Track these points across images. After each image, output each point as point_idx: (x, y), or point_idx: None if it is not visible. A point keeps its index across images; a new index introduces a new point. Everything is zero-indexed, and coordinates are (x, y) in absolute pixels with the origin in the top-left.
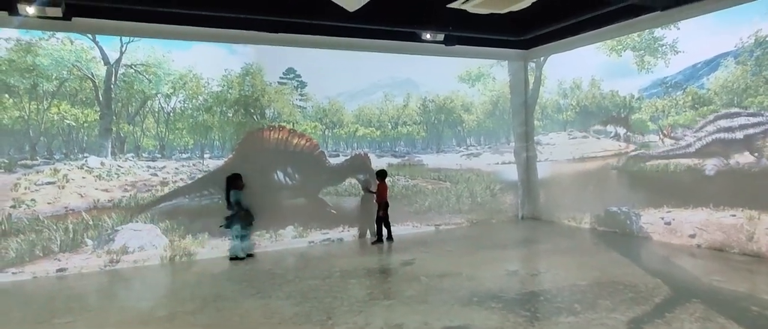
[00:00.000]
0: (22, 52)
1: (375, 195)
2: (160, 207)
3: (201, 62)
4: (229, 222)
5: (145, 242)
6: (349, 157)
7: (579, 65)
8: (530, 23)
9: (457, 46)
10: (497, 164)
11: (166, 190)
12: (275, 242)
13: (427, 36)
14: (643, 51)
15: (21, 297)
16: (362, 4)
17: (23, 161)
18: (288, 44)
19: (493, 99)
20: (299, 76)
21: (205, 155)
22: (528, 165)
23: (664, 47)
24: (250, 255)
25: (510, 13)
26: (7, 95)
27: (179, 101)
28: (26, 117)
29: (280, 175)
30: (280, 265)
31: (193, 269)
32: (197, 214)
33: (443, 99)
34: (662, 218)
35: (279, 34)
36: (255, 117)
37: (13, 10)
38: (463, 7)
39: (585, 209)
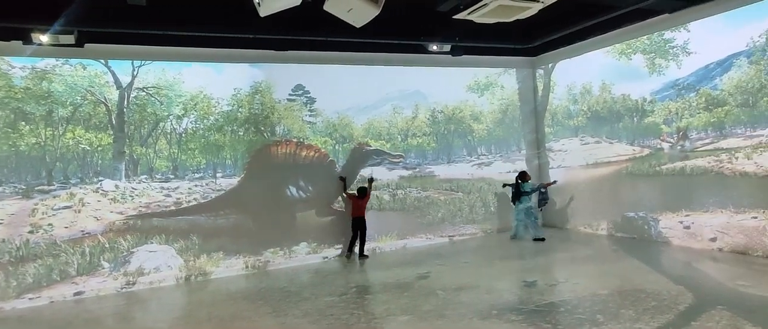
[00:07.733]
0: (37, 79)
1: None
2: (177, 219)
3: (211, 83)
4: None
5: (161, 263)
6: (348, 154)
7: (588, 70)
8: (537, 30)
9: (464, 56)
10: (509, 172)
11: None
12: (289, 259)
13: (434, 47)
14: (653, 54)
15: (38, 325)
16: (369, 20)
17: (40, 187)
18: (296, 62)
19: (502, 108)
20: (308, 92)
21: (218, 174)
22: (540, 172)
23: (675, 49)
24: (540, 239)
25: (517, 21)
26: (23, 123)
27: (191, 122)
28: (42, 143)
29: (293, 190)
30: (294, 282)
31: (209, 288)
32: (213, 233)
33: (452, 109)
34: (681, 222)
35: (288, 51)
36: (265, 135)
37: (27, 40)
38: (469, 17)
39: (601, 216)
